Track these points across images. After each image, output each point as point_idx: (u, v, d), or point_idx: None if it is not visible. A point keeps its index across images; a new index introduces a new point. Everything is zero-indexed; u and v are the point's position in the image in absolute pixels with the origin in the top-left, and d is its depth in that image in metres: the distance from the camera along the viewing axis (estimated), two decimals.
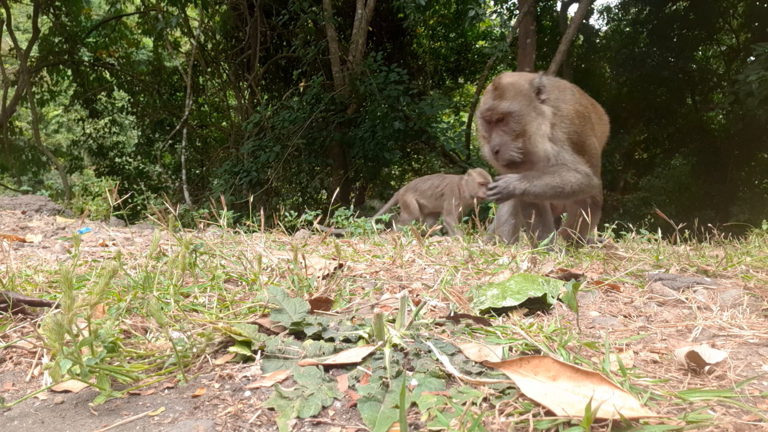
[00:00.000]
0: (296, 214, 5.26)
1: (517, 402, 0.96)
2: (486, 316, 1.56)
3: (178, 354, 1.17)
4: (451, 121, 13.19)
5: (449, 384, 1.08)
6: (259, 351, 1.26)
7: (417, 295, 1.79)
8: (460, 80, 17.82)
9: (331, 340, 1.30)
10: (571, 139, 3.19)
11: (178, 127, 13.39)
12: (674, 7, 15.66)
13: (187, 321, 1.41)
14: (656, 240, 3.05)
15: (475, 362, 1.15)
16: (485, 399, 1.00)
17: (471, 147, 13.33)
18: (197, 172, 15.73)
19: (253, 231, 3.61)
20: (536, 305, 1.65)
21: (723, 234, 3.26)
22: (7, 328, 1.39)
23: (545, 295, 1.65)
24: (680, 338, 1.41)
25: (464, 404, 0.97)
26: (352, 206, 6.22)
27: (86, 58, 16.21)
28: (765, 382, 1.10)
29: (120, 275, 1.74)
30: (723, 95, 14.91)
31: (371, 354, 1.20)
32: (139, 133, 17.21)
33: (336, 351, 1.23)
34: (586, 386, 0.93)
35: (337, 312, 1.60)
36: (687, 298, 1.80)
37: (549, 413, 0.90)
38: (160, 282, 1.74)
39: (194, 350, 1.24)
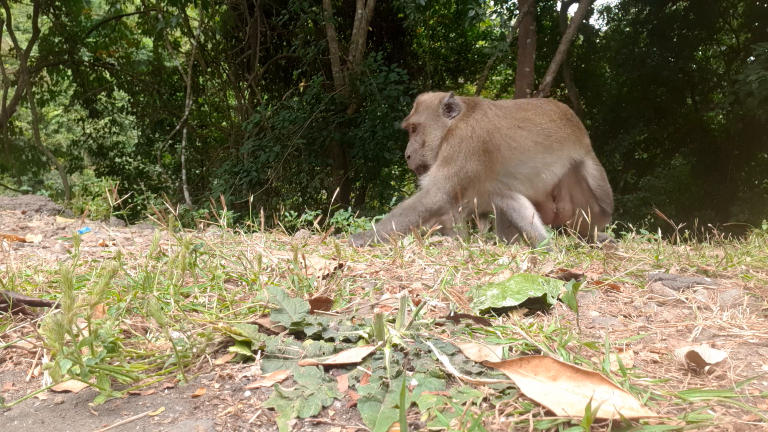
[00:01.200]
0: (296, 214, 5.26)
1: (517, 402, 0.96)
2: (486, 316, 1.56)
3: (178, 354, 1.17)
4: None
5: (449, 384, 1.08)
6: (259, 351, 1.26)
7: (417, 295, 1.79)
8: (460, 80, 17.81)
9: (331, 340, 1.30)
10: (445, 157, 3.67)
11: (178, 127, 13.39)
12: (674, 7, 15.65)
13: (187, 321, 1.41)
14: (656, 240, 3.05)
15: (475, 362, 1.15)
16: (485, 399, 1.00)
17: None
18: (197, 172, 15.72)
19: (253, 231, 3.61)
20: (536, 305, 1.65)
21: (723, 234, 3.26)
22: (7, 328, 1.39)
23: (545, 295, 1.65)
24: (680, 338, 1.41)
25: (464, 404, 0.97)
26: (351, 206, 6.22)
27: (86, 58, 16.20)
28: (765, 382, 1.10)
29: (120, 275, 1.74)
30: (723, 95, 14.91)
31: (371, 354, 1.20)
32: (139, 133, 17.20)
33: (336, 351, 1.23)
34: (586, 386, 0.93)
35: (337, 312, 1.60)
36: (687, 298, 1.80)
37: (549, 413, 0.90)
38: (160, 282, 1.74)
39: (194, 350, 1.24)
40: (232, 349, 1.25)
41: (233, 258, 2.22)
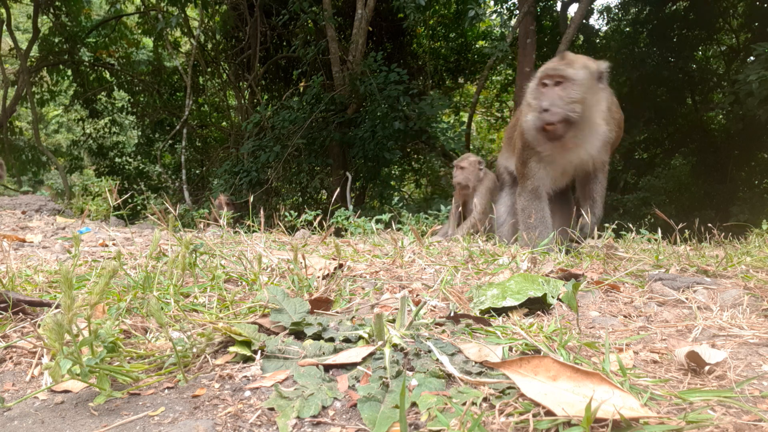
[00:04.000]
0: (296, 214, 5.26)
1: (517, 402, 0.96)
2: (486, 316, 1.56)
3: (178, 354, 1.17)
4: (451, 121, 13.18)
5: (449, 384, 1.08)
6: (259, 351, 1.26)
7: (417, 295, 1.79)
8: (460, 80, 17.80)
9: (331, 340, 1.30)
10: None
11: (178, 127, 13.39)
12: (674, 7, 15.65)
13: (187, 321, 1.41)
14: (656, 240, 3.04)
15: (475, 362, 1.15)
16: (485, 399, 1.00)
17: (471, 147, 13.33)
18: (197, 172, 15.72)
19: (253, 231, 3.61)
20: (536, 305, 1.65)
21: (723, 234, 3.26)
22: (7, 328, 1.39)
23: (545, 295, 1.65)
24: (680, 338, 1.41)
25: (464, 404, 0.97)
26: (351, 206, 6.22)
27: (86, 58, 16.21)
28: (765, 382, 1.10)
29: (120, 275, 1.74)
30: (723, 95, 14.91)
31: (371, 354, 1.20)
32: (139, 133, 17.21)
33: (336, 351, 1.23)
34: (586, 386, 0.93)
35: (337, 312, 1.60)
36: (687, 298, 1.80)
37: (549, 413, 0.90)
38: (160, 282, 1.74)
39: (194, 350, 1.24)
40: (232, 349, 1.25)
41: (233, 258, 2.22)
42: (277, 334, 1.37)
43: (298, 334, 1.36)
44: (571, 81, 3.20)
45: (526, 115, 3.42)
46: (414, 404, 1.00)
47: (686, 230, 3.39)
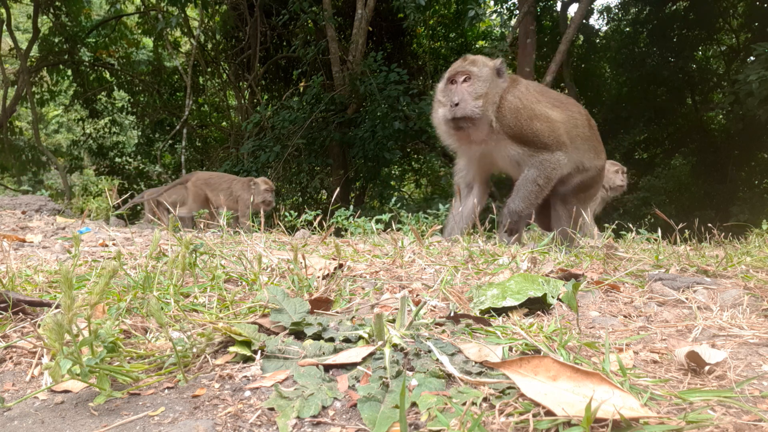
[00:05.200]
0: (296, 214, 5.26)
1: (517, 402, 0.96)
2: (486, 316, 1.56)
3: (178, 354, 1.17)
4: None
5: (449, 384, 1.08)
6: (259, 351, 1.26)
7: (417, 295, 1.79)
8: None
9: (331, 340, 1.30)
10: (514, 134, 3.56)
11: (178, 127, 13.40)
12: (674, 7, 15.66)
13: (187, 321, 1.41)
14: (656, 240, 3.04)
15: (475, 362, 1.15)
16: (485, 399, 1.00)
17: None
18: None
19: (253, 231, 3.61)
20: (536, 305, 1.65)
21: (723, 234, 3.26)
22: (7, 328, 1.39)
23: (545, 295, 1.65)
24: (680, 338, 1.41)
25: (464, 404, 0.97)
26: (351, 206, 6.22)
27: (86, 58, 16.22)
28: (765, 382, 1.10)
29: (120, 275, 1.74)
30: (723, 95, 14.91)
31: (371, 354, 1.20)
32: (139, 133, 17.21)
33: (336, 351, 1.23)
34: (586, 386, 0.93)
35: (337, 312, 1.60)
36: (687, 298, 1.80)
37: (549, 413, 0.90)
38: (160, 282, 1.73)
39: (194, 350, 1.24)
40: (232, 349, 1.25)
41: (233, 258, 2.22)
42: (277, 334, 1.37)
43: (298, 334, 1.36)
44: (477, 77, 3.55)
45: (436, 111, 3.73)
46: (414, 404, 1.00)
47: (686, 230, 3.39)
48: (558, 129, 3.60)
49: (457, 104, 3.49)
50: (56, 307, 1.47)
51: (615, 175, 6.53)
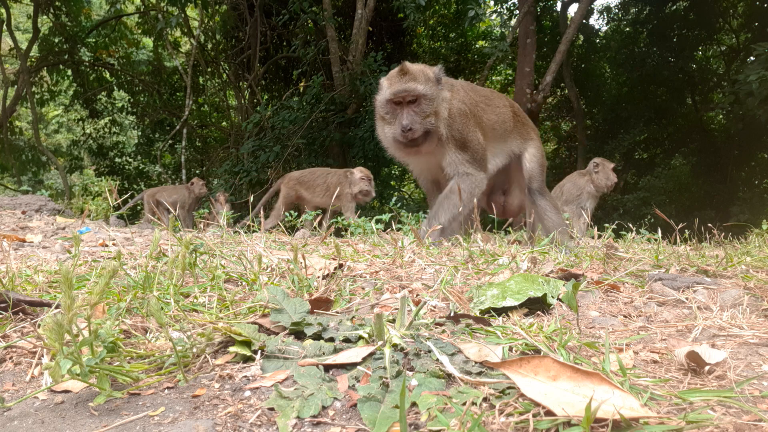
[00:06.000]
0: (296, 214, 5.27)
1: (517, 402, 0.96)
2: (486, 316, 1.56)
3: (178, 354, 1.17)
4: None
5: (449, 384, 1.08)
6: (259, 351, 1.26)
7: (417, 295, 1.79)
8: (460, 80, 17.81)
9: (331, 340, 1.30)
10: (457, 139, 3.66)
11: (178, 127, 13.40)
12: (674, 7, 15.66)
13: (187, 321, 1.41)
14: (656, 240, 3.04)
15: (475, 362, 1.15)
16: (485, 399, 1.00)
17: None
18: (197, 172, 15.72)
19: (253, 231, 3.61)
20: (536, 305, 1.65)
21: (723, 234, 3.26)
22: (7, 328, 1.39)
23: (545, 295, 1.65)
24: (680, 338, 1.41)
25: (464, 404, 0.97)
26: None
27: (86, 58, 16.22)
28: (765, 382, 1.10)
29: (120, 275, 1.74)
30: (723, 95, 14.92)
31: (371, 354, 1.20)
32: (139, 133, 17.22)
33: (336, 351, 1.23)
34: (586, 386, 0.93)
35: (337, 312, 1.60)
36: (687, 298, 1.80)
37: (549, 413, 0.90)
38: (160, 282, 1.73)
39: (194, 350, 1.24)
40: (232, 349, 1.25)
41: (233, 258, 2.22)
42: (277, 334, 1.37)
43: (298, 334, 1.36)
44: (423, 96, 3.49)
45: (382, 128, 3.71)
46: (414, 404, 1.00)
47: (686, 230, 3.39)
48: (484, 149, 3.80)
49: (409, 129, 3.46)
50: (56, 307, 1.47)
51: (600, 171, 6.83)
